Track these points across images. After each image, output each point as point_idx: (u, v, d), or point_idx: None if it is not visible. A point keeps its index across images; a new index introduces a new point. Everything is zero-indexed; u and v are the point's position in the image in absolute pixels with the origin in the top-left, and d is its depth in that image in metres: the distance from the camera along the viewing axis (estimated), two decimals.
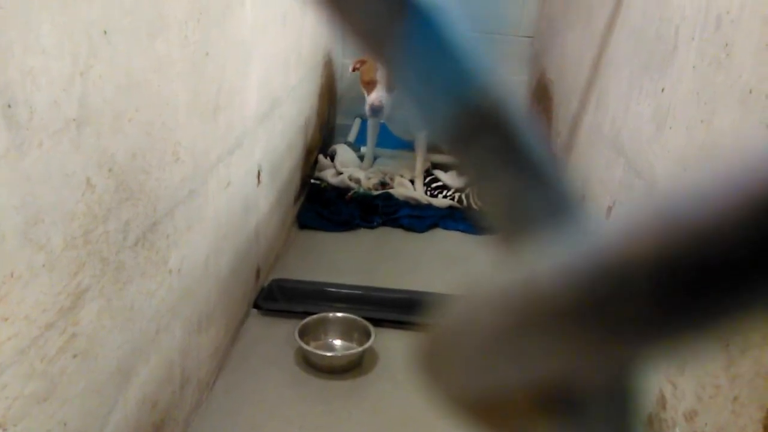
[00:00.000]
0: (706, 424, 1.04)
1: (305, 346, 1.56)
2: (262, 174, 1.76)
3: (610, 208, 1.68)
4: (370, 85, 2.42)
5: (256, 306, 1.79)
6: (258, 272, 1.83)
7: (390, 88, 2.41)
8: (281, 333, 1.68)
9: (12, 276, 0.66)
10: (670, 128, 1.33)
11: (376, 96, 2.39)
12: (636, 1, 1.67)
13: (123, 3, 0.84)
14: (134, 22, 0.88)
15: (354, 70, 2.50)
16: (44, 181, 0.71)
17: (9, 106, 0.64)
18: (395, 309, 1.83)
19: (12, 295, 0.67)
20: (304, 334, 1.60)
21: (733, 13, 1.10)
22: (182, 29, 1.05)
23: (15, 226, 0.66)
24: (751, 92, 1.01)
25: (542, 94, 2.92)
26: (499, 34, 3.34)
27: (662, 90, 1.40)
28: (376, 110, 2.39)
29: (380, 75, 2.40)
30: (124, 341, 0.95)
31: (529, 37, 3.34)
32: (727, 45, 1.10)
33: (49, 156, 0.71)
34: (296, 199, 2.40)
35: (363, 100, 2.70)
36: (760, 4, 1.01)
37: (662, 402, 1.22)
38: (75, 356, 0.80)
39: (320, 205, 2.45)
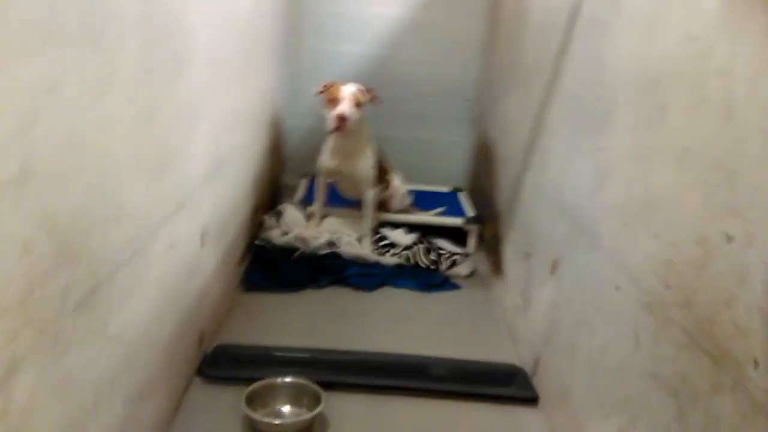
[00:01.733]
0: None
1: (252, 414, 1.50)
2: (206, 235, 1.72)
3: (555, 264, 1.72)
4: (333, 101, 2.43)
5: (200, 373, 1.71)
6: (201, 338, 1.77)
7: (356, 105, 2.44)
8: (227, 401, 1.61)
9: None
10: (610, 186, 1.39)
11: (341, 106, 2.40)
12: (573, 68, 1.76)
13: (70, 61, 0.82)
14: (80, 80, 0.86)
15: (320, 93, 2.52)
16: None
17: None
18: (346, 371, 1.79)
19: None
20: (251, 401, 1.54)
21: (667, 78, 1.17)
22: (129, 88, 1.04)
23: None
24: (685, 150, 1.06)
25: (486, 154, 3.01)
26: (445, 97, 3.45)
27: (601, 149, 1.46)
28: (341, 118, 2.39)
29: (346, 94, 2.43)
30: (61, 415, 0.88)
31: (471, 99, 3.45)
32: (663, 107, 1.17)
33: None
34: (242, 260, 2.35)
35: (313, 160, 2.72)
36: (689, 68, 1.08)
37: None
38: None
39: (266, 266, 2.41)
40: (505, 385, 1.80)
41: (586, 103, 1.60)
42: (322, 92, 2.51)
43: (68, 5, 0.80)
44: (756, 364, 0.84)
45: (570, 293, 1.58)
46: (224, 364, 1.77)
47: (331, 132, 2.47)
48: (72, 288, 0.89)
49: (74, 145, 0.86)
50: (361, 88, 2.50)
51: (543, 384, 1.73)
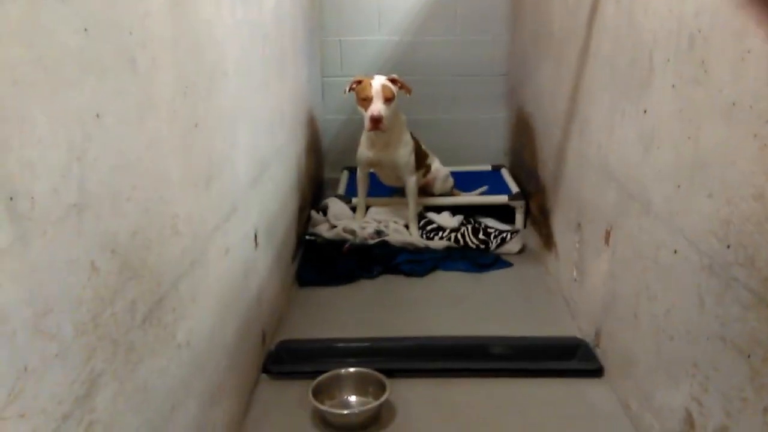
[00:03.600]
0: None
1: (320, 406, 1.53)
2: (258, 237, 1.75)
3: (608, 233, 1.69)
4: (366, 101, 2.47)
5: (265, 370, 1.76)
6: (263, 336, 1.81)
7: (387, 101, 2.46)
8: (294, 395, 1.65)
9: (26, 370, 0.65)
10: (658, 148, 1.35)
11: (374, 107, 2.44)
12: (605, 32, 1.72)
13: (112, 85, 0.85)
14: (124, 103, 0.89)
15: (350, 90, 2.55)
16: (50, 270, 0.70)
17: (11, 198, 0.64)
18: (407, 357, 1.81)
19: (27, 390, 0.65)
20: (317, 393, 1.58)
21: (705, 32, 1.13)
22: (170, 105, 1.07)
23: (25, 320, 0.65)
24: (734, 105, 1.03)
25: (524, 129, 2.97)
26: (475, 75, 3.42)
27: (644, 112, 1.42)
28: (376, 120, 2.43)
29: (375, 90, 2.45)
30: (141, 423, 0.92)
31: (503, 75, 3.40)
32: (703, 62, 1.13)
33: (53, 244, 0.71)
34: (293, 257, 2.39)
35: (352, 152, 2.74)
36: (728, 20, 1.04)
37: (689, 421, 1.20)
38: None
39: (318, 260, 2.44)
40: (567, 358, 1.78)
41: (623, 67, 1.56)
42: (351, 90, 2.53)
43: (102, 36, 0.83)
44: None
45: (627, 261, 1.56)
46: (288, 359, 1.81)
47: (369, 131, 2.50)
48: (139, 301, 0.92)
49: (125, 166, 0.89)
50: (388, 78, 2.51)
51: (606, 355, 1.71)
